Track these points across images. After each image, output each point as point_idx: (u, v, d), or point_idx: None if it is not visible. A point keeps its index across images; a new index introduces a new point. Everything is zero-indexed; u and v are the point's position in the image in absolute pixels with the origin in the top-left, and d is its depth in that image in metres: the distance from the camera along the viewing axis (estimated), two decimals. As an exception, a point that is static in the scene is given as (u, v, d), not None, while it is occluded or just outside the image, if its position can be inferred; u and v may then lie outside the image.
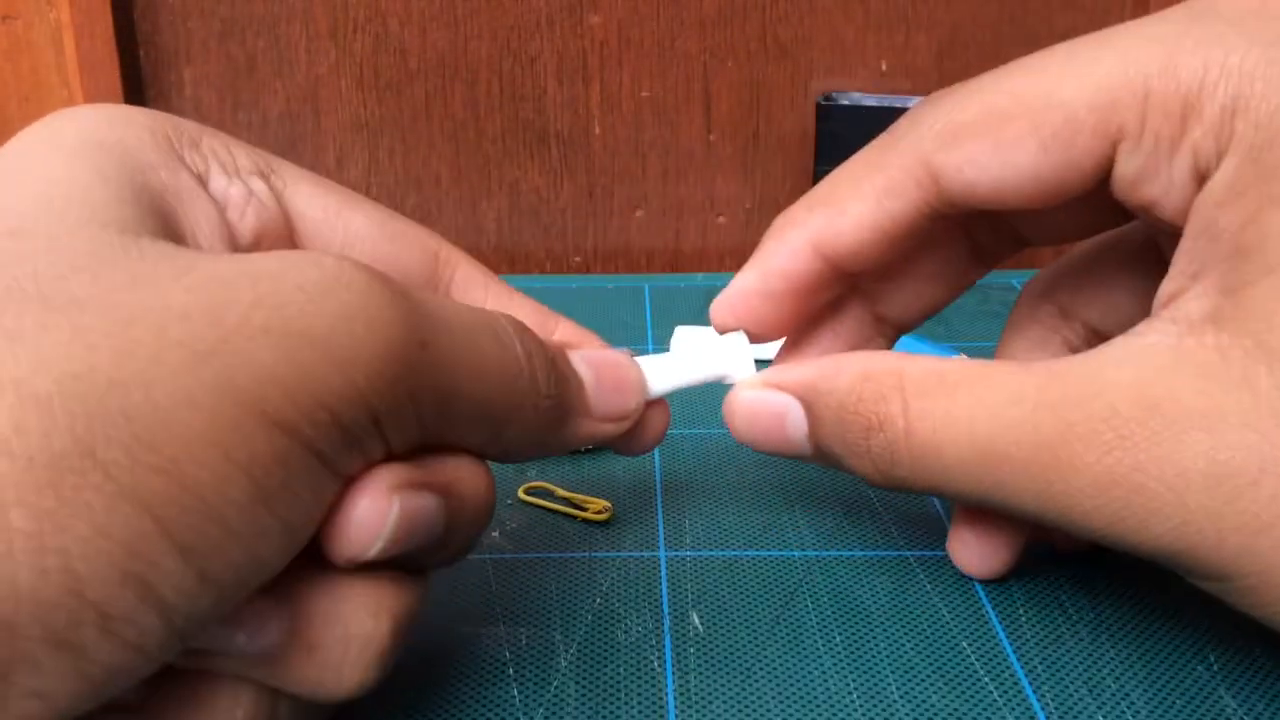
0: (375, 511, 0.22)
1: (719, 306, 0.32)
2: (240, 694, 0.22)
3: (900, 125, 0.29)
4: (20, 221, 0.22)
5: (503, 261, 0.64)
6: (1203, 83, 0.24)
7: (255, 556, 0.20)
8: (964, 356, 0.29)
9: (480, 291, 0.32)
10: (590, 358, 0.29)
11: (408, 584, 0.24)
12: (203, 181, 0.27)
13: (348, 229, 0.30)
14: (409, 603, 0.24)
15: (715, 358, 0.32)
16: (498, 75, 0.61)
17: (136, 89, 0.61)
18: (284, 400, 0.20)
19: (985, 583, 0.32)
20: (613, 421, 0.29)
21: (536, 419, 0.26)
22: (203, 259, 0.21)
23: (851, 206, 0.29)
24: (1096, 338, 0.31)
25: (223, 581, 0.19)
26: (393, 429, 0.22)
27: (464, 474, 0.25)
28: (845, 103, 0.55)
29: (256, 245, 0.28)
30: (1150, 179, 0.26)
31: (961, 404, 0.26)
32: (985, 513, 0.31)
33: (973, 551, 0.32)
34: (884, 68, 0.61)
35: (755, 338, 0.32)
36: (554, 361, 0.27)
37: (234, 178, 0.28)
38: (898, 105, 0.54)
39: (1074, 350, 0.31)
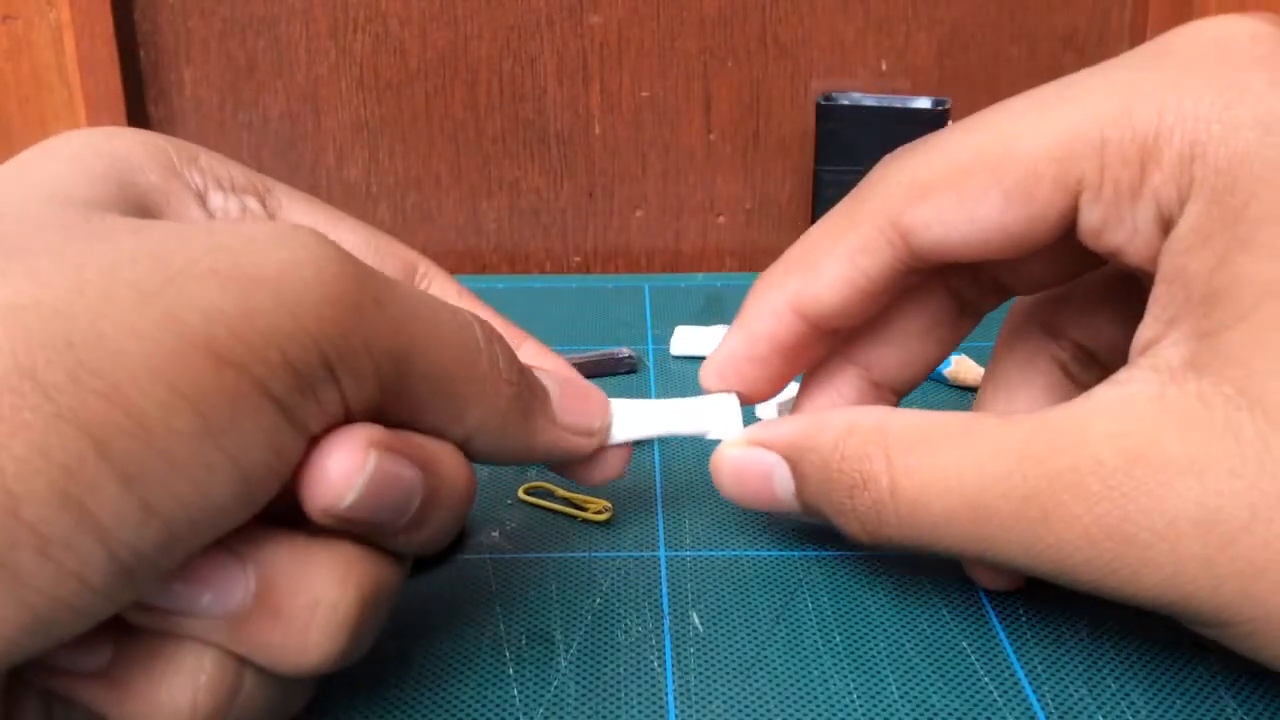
0: (351, 461, 0.22)
1: (707, 372, 0.32)
2: (204, 659, 0.22)
3: (868, 182, 0.29)
4: (3, 208, 0.23)
5: (503, 261, 0.64)
6: (1159, 130, 0.24)
7: (203, 494, 0.20)
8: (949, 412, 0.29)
9: (454, 303, 0.33)
10: (554, 373, 0.30)
11: (380, 560, 0.24)
12: (201, 198, 0.28)
13: (340, 244, 0.30)
14: (380, 578, 0.24)
15: (703, 413, 0.32)
16: (498, 75, 0.61)
17: (136, 89, 0.61)
18: (231, 338, 0.20)
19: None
20: (578, 435, 0.30)
21: (499, 405, 0.26)
22: (160, 222, 0.22)
23: (826, 267, 0.29)
24: (1084, 353, 0.31)
25: (169, 516, 0.19)
26: (348, 378, 0.22)
27: (444, 455, 0.25)
28: (845, 103, 0.55)
29: None
30: (1114, 227, 0.26)
31: (947, 459, 0.26)
32: None
33: (988, 570, 0.31)
34: (884, 68, 0.61)
35: (746, 399, 0.32)
36: (513, 353, 0.27)
37: (230, 194, 0.29)
38: (898, 105, 0.55)
39: (1064, 366, 0.31)
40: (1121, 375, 0.25)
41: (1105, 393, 0.25)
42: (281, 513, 0.22)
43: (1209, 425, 0.23)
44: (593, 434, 0.30)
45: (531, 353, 0.33)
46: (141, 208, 0.26)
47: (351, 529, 0.23)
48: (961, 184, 0.27)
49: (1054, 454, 0.25)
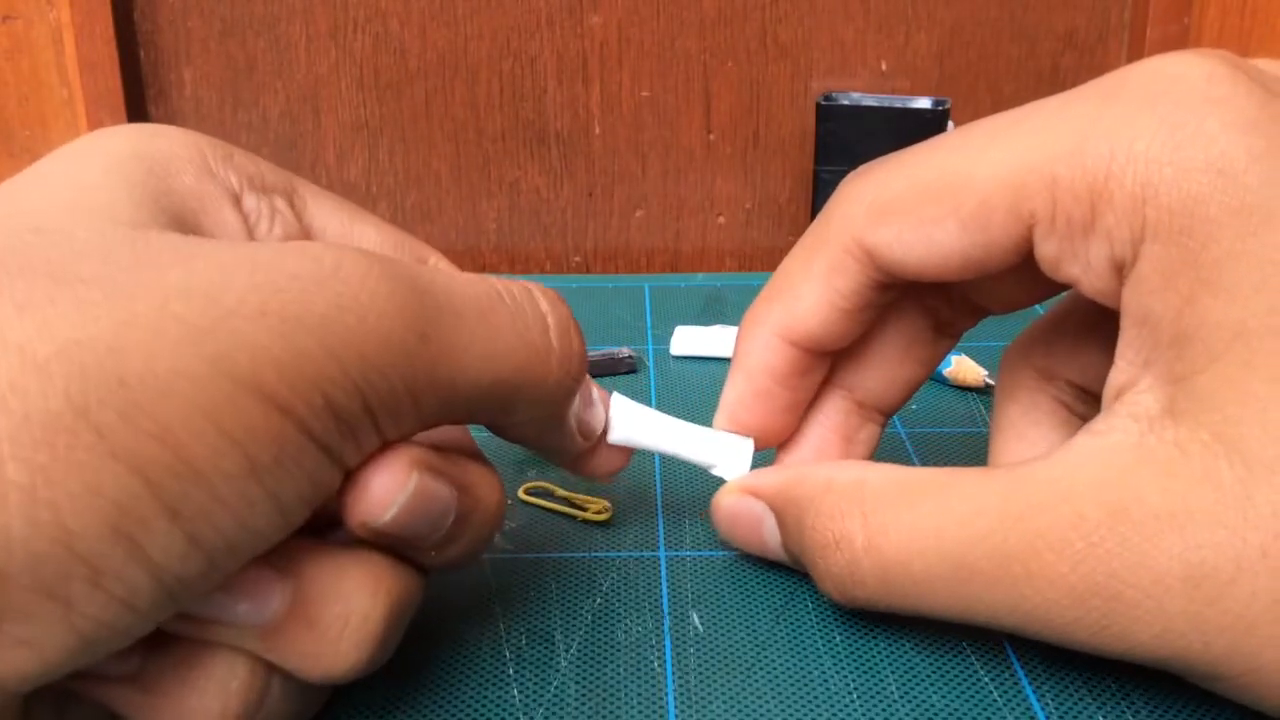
0: (394, 480, 0.23)
1: (720, 417, 0.33)
2: (236, 665, 0.23)
3: (832, 202, 0.30)
4: (44, 220, 0.22)
5: (502, 261, 0.64)
6: (1109, 170, 0.24)
7: (246, 526, 0.21)
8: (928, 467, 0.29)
9: None
10: None
11: (407, 573, 0.25)
12: (236, 199, 0.28)
13: (360, 242, 0.31)
14: (407, 591, 0.25)
15: (716, 448, 0.33)
16: (498, 75, 0.61)
17: (136, 89, 0.61)
18: (279, 381, 0.20)
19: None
20: (584, 437, 0.30)
21: (555, 407, 0.27)
22: (204, 244, 0.22)
23: (803, 291, 0.30)
24: (1081, 392, 0.31)
25: (213, 546, 0.20)
26: (387, 419, 0.23)
27: (479, 477, 0.26)
28: (845, 103, 0.55)
29: None
30: (1068, 260, 0.26)
31: (926, 517, 0.26)
32: None
33: None
34: (884, 68, 0.61)
35: (764, 443, 0.33)
36: (583, 347, 0.27)
37: (260, 195, 0.29)
38: (898, 105, 0.55)
39: (1067, 406, 0.31)
40: (1100, 424, 0.25)
41: (1085, 443, 0.25)
42: (310, 520, 0.23)
43: (1188, 475, 0.23)
44: (593, 437, 0.30)
45: None
46: (179, 214, 0.26)
47: (384, 542, 0.24)
48: (920, 208, 0.27)
49: (1036, 511, 0.24)
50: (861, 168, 0.30)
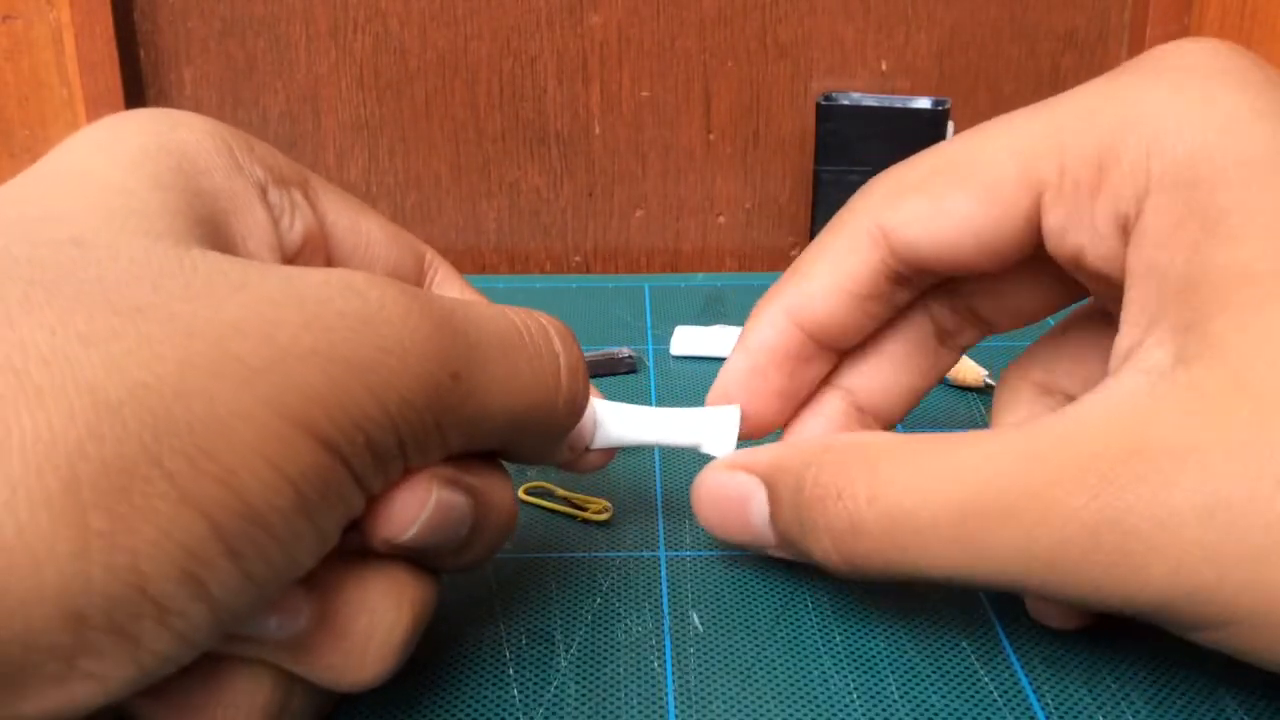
0: (416, 501, 0.24)
1: (713, 392, 0.33)
2: (262, 678, 0.23)
3: (856, 195, 0.31)
4: (82, 230, 0.22)
5: (502, 261, 0.64)
6: (1116, 130, 0.25)
7: (293, 559, 0.21)
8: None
9: (455, 293, 0.33)
10: None
11: (425, 580, 0.25)
12: (262, 190, 0.28)
13: (367, 235, 0.31)
14: (427, 597, 0.25)
15: (701, 426, 0.32)
16: (498, 75, 0.61)
17: (136, 89, 0.61)
18: (327, 420, 0.21)
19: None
20: (572, 450, 0.31)
21: (556, 438, 0.28)
22: (252, 272, 0.22)
23: (816, 270, 0.30)
24: None
25: (264, 580, 0.21)
26: (416, 452, 0.23)
27: (494, 486, 0.27)
28: (845, 103, 0.55)
29: (300, 252, 0.29)
30: (1075, 227, 0.26)
31: (935, 464, 0.25)
32: None
33: (1053, 607, 0.30)
34: (884, 68, 0.61)
35: (752, 421, 0.32)
36: (587, 384, 0.28)
37: (282, 188, 0.29)
38: (898, 105, 0.54)
39: None
40: (1109, 382, 0.25)
41: (1095, 397, 0.25)
42: None
43: (1203, 413, 0.23)
44: (580, 448, 0.31)
45: None
46: (212, 218, 0.26)
47: (404, 554, 0.24)
48: (933, 185, 0.28)
49: (1050, 451, 0.24)
50: (889, 168, 0.31)
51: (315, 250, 0.30)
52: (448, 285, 0.34)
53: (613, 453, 0.32)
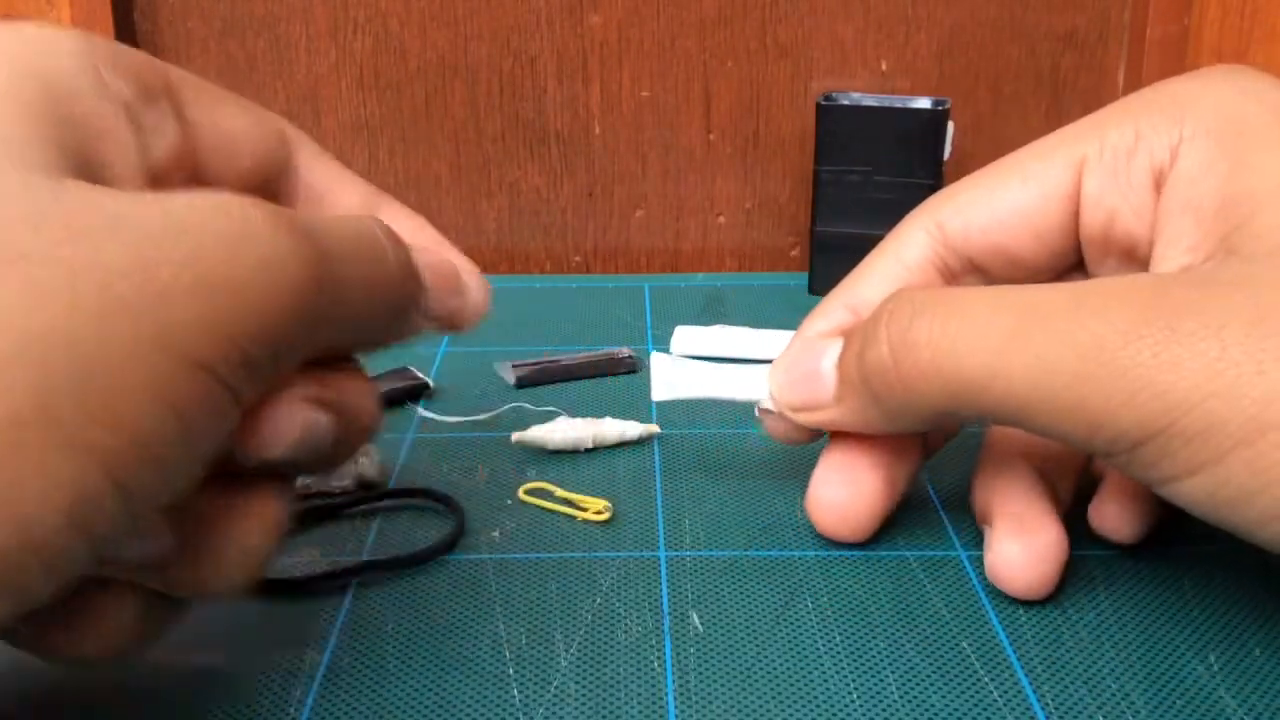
0: (287, 421, 0.25)
1: (772, 372, 0.34)
2: (124, 595, 0.24)
3: (920, 205, 0.34)
4: None
5: (502, 261, 0.64)
6: (1150, 106, 0.30)
7: (175, 487, 0.22)
8: None
9: (321, 167, 0.33)
10: (428, 262, 0.30)
11: (283, 492, 0.26)
12: (129, 110, 0.27)
13: (230, 131, 0.31)
14: (283, 510, 0.26)
15: (761, 379, 0.34)
16: (498, 75, 0.61)
17: (136, 89, 0.61)
18: (212, 348, 0.21)
19: (985, 582, 0.32)
20: (442, 321, 0.31)
21: (392, 320, 0.29)
22: (125, 205, 0.22)
23: (874, 264, 0.34)
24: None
25: (145, 509, 0.21)
26: (287, 361, 0.24)
27: (355, 394, 0.27)
28: (845, 103, 0.55)
29: (168, 168, 0.29)
30: (1111, 189, 0.30)
31: (996, 287, 0.29)
32: (1127, 482, 0.32)
33: (1116, 516, 0.32)
34: (884, 68, 0.61)
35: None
36: (412, 265, 0.29)
37: (149, 103, 0.28)
38: (898, 105, 0.54)
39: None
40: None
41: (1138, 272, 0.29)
42: None
43: (1255, 265, 0.26)
44: (452, 316, 0.31)
45: (395, 214, 0.34)
46: (83, 145, 0.25)
47: (270, 468, 0.25)
48: (985, 180, 0.33)
49: (1109, 281, 0.27)
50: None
51: (184, 160, 0.29)
52: (314, 162, 0.33)
53: (480, 302, 0.32)
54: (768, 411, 0.34)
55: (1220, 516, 0.25)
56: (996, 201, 0.32)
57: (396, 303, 0.28)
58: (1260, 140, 0.27)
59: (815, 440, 0.35)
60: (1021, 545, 0.31)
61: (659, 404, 0.37)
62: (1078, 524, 0.33)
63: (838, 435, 0.34)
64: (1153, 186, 0.29)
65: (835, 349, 0.32)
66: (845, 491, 0.33)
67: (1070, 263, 0.32)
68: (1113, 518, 0.32)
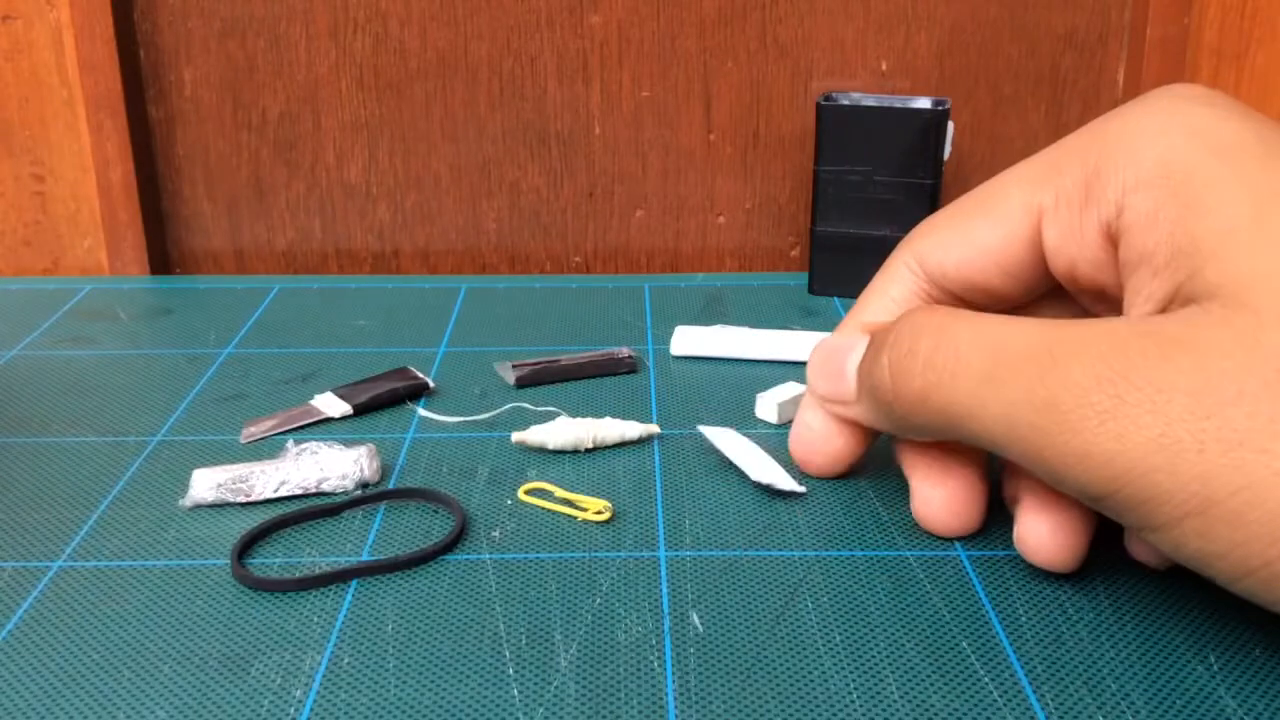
0: None
1: (810, 360, 0.37)
2: None
3: (904, 238, 0.36)
4: None
5: (502, 261, 0.64)
6: (1100, 154, 0.30)
7: None
8: None
9: None
10: None
11: None
12: None
13: None
14: None
15: (777, 470, 0.38)
16: (498, 75, 0.61)
17: (136, 89, 0.61)
18: None
19: (985, 582, 0.32)
20: None
21: None
22: None
23: (869, 301, 0.36)
24: None
25: None
26: None
27: None
28: (845, 103, 0.55)
29: None
30: (1068, 241, 0.31)
31: (988, 320, 0.30)
32: (1054, 498, 0.31)
33: (1044, 540, 0.32)
34: (884, 68, 0.61)
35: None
36: None
37: None
38: (897, 105, 0.54)
39: None
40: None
41: (1113, 317, 0.29)
42: None
43: (1206, 316, 0.26)
44: None
45: None
46: None
47: None
48: (959, 218, 0.34)
49: (1076, 325, 0.28)
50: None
51: None
52: None
53: None
54: (793, 493, 0.37)
55: (1195, 568, 0.26)
56: (967, 242, 0.33)
57: None
58: (1205, 183, 0.27)
59: (847, 470, 0.38)
60: (1050, 518, 0.31)
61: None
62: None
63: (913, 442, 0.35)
64: (1105, 241, 0.30)
65: (860, 349, 0.34)
66: (947, 488, 0.34)
67: (1046, 288, 0.34)
68: (1144, 551, 0.32)
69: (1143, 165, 0.29)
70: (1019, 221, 0.32)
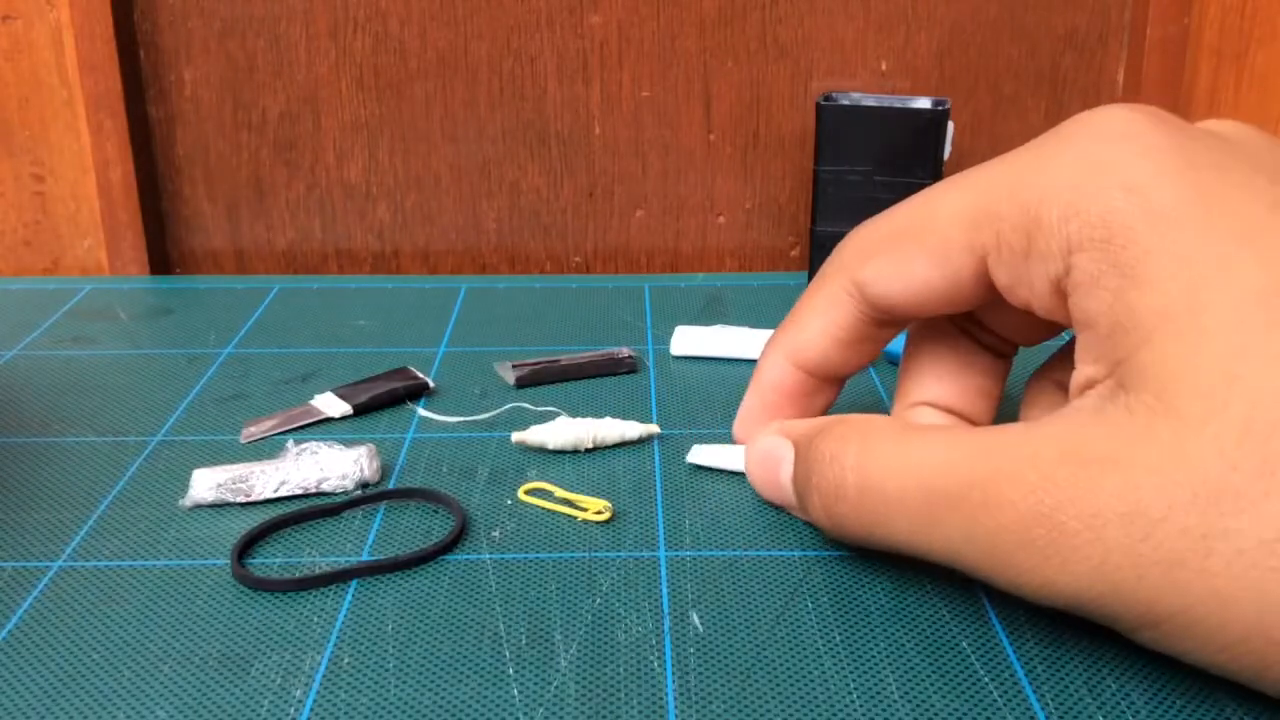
0: None
1: (736, 428, 0.38)
2: None
3: (835, 250, 0.35)
4: None
5: (502, 261, 0.64)
6: (1038, 200, 0.28)
7: None
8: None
9: None
10: None
11: None
12: None
13: None
14: None
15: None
16: (498, 75, 0.61)
17: (136, 89, 0.61)
18: None
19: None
20: None
21: None
22: None
23: (808, 321, 0.35)
24: None
25: None
26: None
27: None
28: (845, 103, 0.55)
29: None
30: (1018, 285, 0.30)
31: (912, 449, 0.29)
32: None
33: None
34: (884, 68, 0.61)
35: None
36: None
37: None
38: (897, 105, 0.54)
39: None
40: (1065, 407, 0.28)
41: (1048, 416, 0.28)
42: None
43: (1131, 431, 0.26)
44: None
45: None
46: None
47: None
48: (895, 247, 0.32)
49: (999, 449, 0.28)
50: (866, 220, 0.34)
51: None
52: None
53: None
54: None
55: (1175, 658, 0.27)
56: (909, 275, 0.32)
57: None
58: (1145, 251, 0.26)
59: None
60: None
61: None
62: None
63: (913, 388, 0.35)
64: (1054, 292, 0.29)
65: (790, 458, 0.34)
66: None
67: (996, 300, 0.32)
68: None
69: (1081, 221, 0.27)
70: (961, 262, 0.30)
